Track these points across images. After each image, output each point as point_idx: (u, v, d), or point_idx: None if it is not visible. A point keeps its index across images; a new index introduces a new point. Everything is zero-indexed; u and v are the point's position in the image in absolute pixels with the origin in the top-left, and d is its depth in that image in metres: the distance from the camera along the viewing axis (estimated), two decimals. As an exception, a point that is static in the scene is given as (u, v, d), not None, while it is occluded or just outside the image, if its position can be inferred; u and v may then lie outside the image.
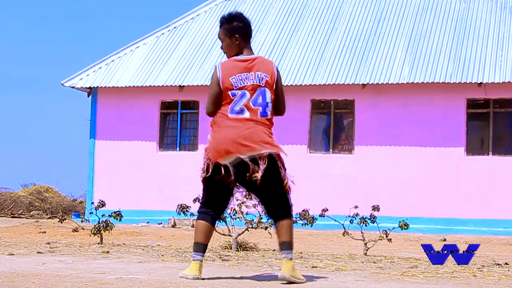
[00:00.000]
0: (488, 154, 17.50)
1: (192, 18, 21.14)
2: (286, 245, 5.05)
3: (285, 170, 5.19)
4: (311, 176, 17.81)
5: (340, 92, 18.28)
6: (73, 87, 19.82)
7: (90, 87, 19.75)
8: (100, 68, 19.98)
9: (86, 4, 50.71)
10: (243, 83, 5.12)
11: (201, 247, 5.11)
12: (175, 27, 20.95)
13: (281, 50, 19.30)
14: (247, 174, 5.03)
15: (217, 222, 5.39)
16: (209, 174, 5.07)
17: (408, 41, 18.76)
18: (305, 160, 18.01)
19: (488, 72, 17.33)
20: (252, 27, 5.39)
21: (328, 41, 19.28)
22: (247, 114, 5.10)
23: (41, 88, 45.80)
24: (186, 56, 19.82)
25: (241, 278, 5.26)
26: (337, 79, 17.97)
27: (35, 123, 44.23)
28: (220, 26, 5.29)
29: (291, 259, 5.02)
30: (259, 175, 5.01)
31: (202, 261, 5.09)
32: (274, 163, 5.10)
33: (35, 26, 48.44)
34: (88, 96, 20.01)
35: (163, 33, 20.81)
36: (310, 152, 18.32)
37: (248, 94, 5.11)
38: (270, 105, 5.15)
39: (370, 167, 17.90)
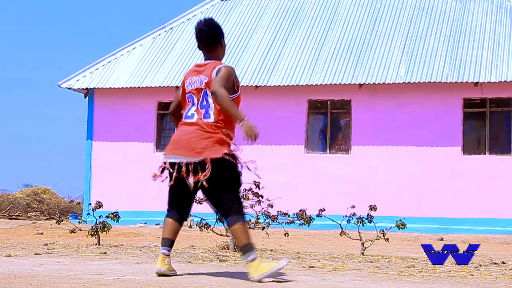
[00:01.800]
0: (484, 154, 17.52)
1: (188, 19, 21.14)
2: (242, 250, 5.11)
3: (232, 169, 5.15)
4: (308, 176, 17.81)
5: (336, 92, 18.30)
6: (70, 88, 19.82)
7: (87, 88, 19.74)
8: (97, 69, 19.97)
9: (82, 5, 50.70)
10: (191, 87, 5.34)
11: (166, 242, 5.38)
12: (171, 28, 20.95)
13: (277, 50, 19.31)
14: (192, 180, 5.16)
15: (183, 221, 5.57)
16: (159, 173, 5.42)
17: (405, 41, 18.79)
18: (302, 160, 18.01)
19: (484, 71, 17.36)
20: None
21: (324, 42, 19.29)
22: (194, 118, 5.28)
23: (38, 89, 45.79)
24: (183, 57, 19.82)
25: (238, 278, 5.27)
26: (333, 79, 17.99)
27: (32, 124, 44.21)
28: None
29: (252, 260, 5.05)
30: (191, 180, 5.14)
31: (167, 255, 5.28)
32: (215, 169, 5.10)
33: (31, 27, 48.42)
34: (85, 97, 20.01)
35: (159, 34, 20.81)
36: (307, 152, 18.32)
37: (195, 99, 5.31)
38: (213, 106, 5.22)
39: (367, 167, 17.91)
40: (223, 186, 5.14)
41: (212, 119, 5.20)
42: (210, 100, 5.23)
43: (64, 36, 48.68)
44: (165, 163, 5.33)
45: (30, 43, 47.33)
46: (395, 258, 7.84)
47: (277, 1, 21.07)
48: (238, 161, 5.17)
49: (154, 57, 20.01)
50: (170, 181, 5.32)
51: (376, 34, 19.19)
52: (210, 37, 5.42)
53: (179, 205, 5.45)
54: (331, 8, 20.43)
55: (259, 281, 4.99)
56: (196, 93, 5.29)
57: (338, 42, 19.15)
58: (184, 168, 5.17)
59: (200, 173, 5.10)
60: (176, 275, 5.28)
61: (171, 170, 5.29)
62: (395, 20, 19.56)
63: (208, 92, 5.23)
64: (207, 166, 5.08)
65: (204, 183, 5.09)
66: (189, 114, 5.31)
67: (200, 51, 5.58)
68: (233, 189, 5.17)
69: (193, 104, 5.30)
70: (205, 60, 5.45)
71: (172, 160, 5.25)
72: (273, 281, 5.06)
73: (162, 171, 5.40)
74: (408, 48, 18.55)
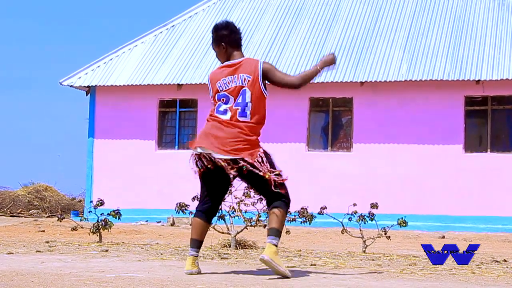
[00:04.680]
0: (486, 151, 17.51)
1: (190, 17, 21.13)
2: (271, 231, 5.23)
3: (266, 165, 5.30)
4: (310, 174, 17.81)
5: (338, 90, 18.29)
6: (71, 86, 19.81)
7: (88, 86, 19.74)
8: (98, 67, 19.97)
9: (84, 3, 50.69)
10: (228, 86, 5.40)
11: (195, 243, 5.36)
12: (173, 26, 20.94)
13: (279, 48, 19.30)
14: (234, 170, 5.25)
15: (213, 218, 5.60)
16: (195, 166, 5.37)
17: (406, 39, 18.77)
18: (303, 158, 18.01)
19: (486, 69, 17.35)
20: (242, 31, 5.66)
21: (326, 39, 19.28)
22: (228, 116, 5.35)
23: (39, 87, 45.78)
24: (184, 54, 19.82)
25: (240, 275, 5.27)
26: (335, 77, 17.98)
27: (34, 122, 44.20)
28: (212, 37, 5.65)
29: (275, 245, 5.17)
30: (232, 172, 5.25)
31: (196, 256, 5.32)
32: (249, 166, 5.26)
33: (33, 25, 48.41)
34: (87, 95, 20.01)
35: (161, 32, 20.80)
36: (308, 150, 18.32)
37: (231, 98, 5.37)
38: (250, 104, 5.36)
39: (368, 165, 17.91)
40: (260, 179, 5.28)
41: (248, 118, 5.34)
42: (248, 99, 5.35)
43: (66, 34, 48.69)
44: (199, 154, 5.35)
45: (32, 41, 47.35)
46: (396, 256, 7.85)
47: (278, -1, 21.06)
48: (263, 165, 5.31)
49: (156, 55, 20.01)
50: (199, 170, 5.36)
51: (378, 32, 19.17)
52: (240, 37, 5.58)
53: (209, 203, 5.44)
54: (333, 5, 20.41)
55: (265, 262, 5.10)
56: (232, 91, 5.37)
57: (340, 40, 19.14)
58: (223, 163, 5.24)
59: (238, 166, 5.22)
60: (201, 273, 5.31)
61: (204, 163, 5.32)
62: (397, 18, 19.55)
63: (247, 90, 5.35)
64: (242, 163, 5.23)
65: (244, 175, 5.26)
66: (222, 109, 5.38)
67: (212, 51, 5.71)
68: (268, 181, 5.28)
69: (225, 102, 5.37)
70: (227, 60, 5.49)
71: (208, 152, 5.28)
72: (274, 278, 5.06)
73: (197, 163, 5.40)
74: (409, 46, 18.54)
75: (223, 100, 5.38)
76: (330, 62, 5.58)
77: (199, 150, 5.33)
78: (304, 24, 19.97)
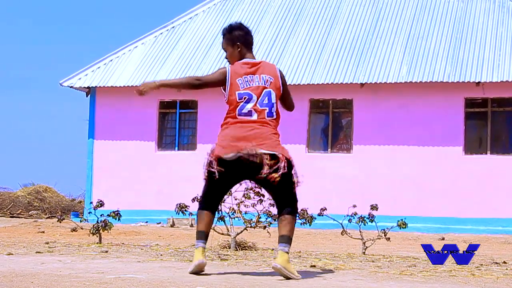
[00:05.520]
0: (486, 153, 17.52)
1: (190, 18, 21.14)
2: (283, 239, 5.24)
3: (293, 168, 5.40)
4: (310, 176, 17.62)
5: (338, 92, 18.30)
6: (71, 87, 19.82)
7: (88, 87, 19.74)
8: (98, 67, 19.98)
9: (84, 3, 50.71)
10: (249, 84, 5.37)
11: (202, 235, 5.38)
12: (173, 27, 20.95)
13: (279, 49, 19.31)
14: (261, 171, 5.23)
15: (215, 213, 5.61)
16: (213, 168, 5.30)
17: (407, 41, 18.78)
18: (303, 159, 18.00)
19: (486, 71, 17.35)
20: (251, 29, 5.69)
21: (326, 41, 19.29)
22: (254, 116, 5.34)
23: (39, 88, 45.81)
24: (185, 55, 19.82)
25: (240, 276, 5.27)
26: (335, 78, 17.99)
27: (34, 123, 44.23)
28: (223, 37, 5.60)
29: (287, 252, 5.19)
30: (276, 175, 5.23)
31: (204, 248, 5.34)
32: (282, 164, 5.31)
33: (33, 26, 48.43)
34: (87, 96, 20.01)
35: (161, 33, 20.81)
36: (308, 152, 18.33)
37: (254, 96, 5.35)
38: (275, 105, 5.43)
39: (368, 167, 17.91)
40: (288, 183, 5.32)
41: (275, 117, 5.42)
42: (274, 100, 5.41)
43: (66, 35, 48.71)
44: (218, 158, 5.28)
45: (32, 42, 47.37)
46: (396, 257, 7.85)
47: (279, 0, 21.07)
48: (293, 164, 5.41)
49: (156, 56, 20.02)
50: (213, 174, 5.31)
51: (378, 34, 19.18)
52: (253, 39, 5.61)
53: (214, 198, 5.47)
54: (333, 7, 20.42)
55: (278, 270, 5.10)
56: (255, 91, 5.36)
57: (340, 41, 19.15)
58: (259, 157, 5.22)
59: (273, 164, 5.23)
60: (209, 274, 5.34)
61: (217, 167, 5.30)
62: (397, 20, 19.55)
63: (271, 92, 5.38)
64: (281, 162, 5.26)
65: (276, 176, 5.22)
66: (246, 111, 5.35)
67: (221, 51, 5.73)
68: (294, 187, 5.37)
69: (248, 102, 5.34)
70: (242, 58, 5.48)
71: (254, 152, 5.23)
72: (273, 280, 5.06)
73: (211, 169, 5.33)
74: (410, 48, 18.54)
75: (245, 98, 5.34)
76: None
77: (229, 156, 5.24)
78: (305, 25, 19.98)
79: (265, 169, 5.21)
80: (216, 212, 5.70)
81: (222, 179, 5.33)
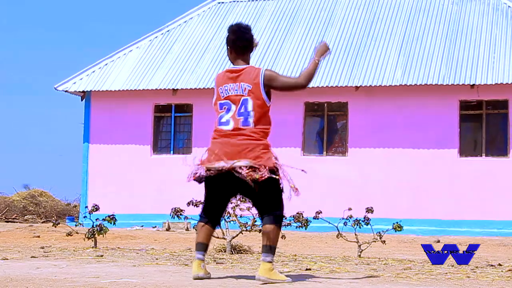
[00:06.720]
0: (481, 156, 17.54)
1: (185, 22, 21.14)
2: (264, 249, 5.22)
3: (278, 174, 5.28)
4: (305, 179, 17.70)
5: (333, 95, 18.31)
6: (66, 91, 19.80)
7: (83, 91, 19.73)
8: (93, 72, 19.96)
9: (79, 7, 50.67)
10: (227, 93, 5.35)
11: (200, 246, 5.38)
12: (168, 31, 20.95)
13: (274, 53, 19.32)
14: (242, 181, 5.17)
15: (217, 225, 5.59)
16: (197, 177, 5.32)
17: (401, 43, 18.80)
18: (298, 162, 17.84)
19: (480, 73, 17.38)
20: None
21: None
22: (230, 126, 5.30)
23: (34, 92, 45.75)
24: (180, 59, 19.82)
25: (235, 280, 5.27)
26: (330, 81, 18.01)
27: (29, 127, 44.16)
28: None
29: (269, 262, 5.16)
30: (257, 175, 5.15)
31: (202, 260, 5.33)
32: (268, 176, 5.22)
33: (28, 30, 48.37)
34: (82, 100, 19.99)
35: (156, 37, 20.81)
36: (303, 155, 18.34)
37: (233, 106, 5.32)
38: (252, 113, 5.29)
39: (363, 169, 17.92)
40: (270, 192, 5.24)
41: (252, 125, 5.28)
42: (250, 108, 5.29)
43: (61, 39, 48.66)
44: (208, 170, 5.28)
45: (27, 46, 47.31)
46: (391, 260, 7.85)
47: (274, 3, 21.09)
48: (280, 174, 5.29)
49: (151, 60, 20.01)
50: (220, 185, 5.32)
51: (373, 36, 19.20)
52: (249, 40, 5.45)
53: (214, 210, 5.45)
54: (328, 10, 20.45)
55: (263, 282, 5.09)
56: (234, 100, 5.32)
57: (335, 44, 19.16)
58: (242, 170, 5.15)
59: (256, 174, 5.14)
60: (210, 278, 5.32)
61: (210, 174, 5.28)
62: (392, 22, 19.58)
63: (249, 100, 5.28)
64: (262, 171, 5.15)
65: (257, 177, 5.14)
66: (224, 120, 5.34)
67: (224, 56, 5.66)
68: (279, 195, 5.29)
69: (228, 111, 5.32)
70: (234, 64, 5.42)
71: (221, 165, 5.21)
72: (269, 283, 5.06)
73: (200, 181, 5.36)
74: (404, 50, 18.57)
75: (225, 108, 5.33)
76: (325, 50, 5.46)
77: (216, 165, 5.23)
78: (299, 28, 19.99)
79: (247, 178, 5.14)
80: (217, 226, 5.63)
81: (215, 191, 5.36)
